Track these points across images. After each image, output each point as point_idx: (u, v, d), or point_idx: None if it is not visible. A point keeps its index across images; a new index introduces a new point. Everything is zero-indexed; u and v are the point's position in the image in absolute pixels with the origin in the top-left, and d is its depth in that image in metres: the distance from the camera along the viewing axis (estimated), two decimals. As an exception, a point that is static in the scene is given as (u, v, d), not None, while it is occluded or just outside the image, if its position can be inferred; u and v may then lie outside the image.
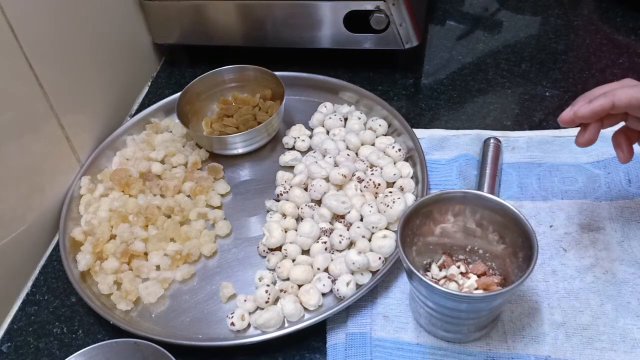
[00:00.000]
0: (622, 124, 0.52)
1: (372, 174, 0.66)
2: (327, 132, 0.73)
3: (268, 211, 0.67)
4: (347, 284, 0.57)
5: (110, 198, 0.68)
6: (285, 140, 0.74)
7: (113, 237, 0.65)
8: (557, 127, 0.69)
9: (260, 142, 0.73)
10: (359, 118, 0.73)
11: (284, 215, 0.64)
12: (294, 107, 0.78)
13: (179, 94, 0.75)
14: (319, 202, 0.65)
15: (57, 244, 0.66)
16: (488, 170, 0.64)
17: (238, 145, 0.72)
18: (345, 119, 0.74)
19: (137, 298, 0.60)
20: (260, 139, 0.73)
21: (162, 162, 0.73)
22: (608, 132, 0.67)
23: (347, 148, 0.70)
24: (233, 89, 0.78)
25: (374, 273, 0.58)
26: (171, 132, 0.76)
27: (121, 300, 0.60)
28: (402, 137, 0.70)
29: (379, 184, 0.64)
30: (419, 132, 0.71)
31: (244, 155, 0.74)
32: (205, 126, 0.77)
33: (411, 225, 0.52)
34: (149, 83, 0.88)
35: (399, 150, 0.68)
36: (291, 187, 0.67)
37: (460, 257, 0.55)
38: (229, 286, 0.59)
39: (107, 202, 0.68)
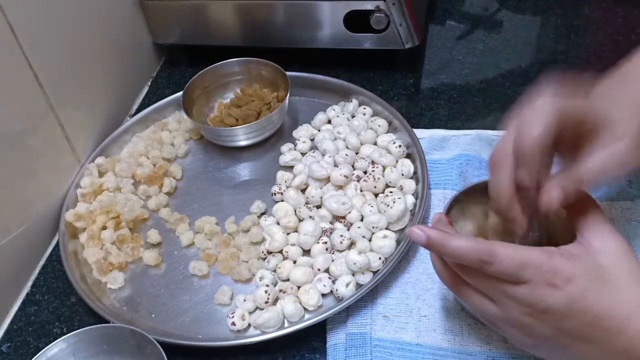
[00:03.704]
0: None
1: (373, 170, 0.66)
2: (333, 130, 0.73)
3: (262, 214, 0.67)
4: (347, 285, 0.57)
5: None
6: (295, 134, 0.74)
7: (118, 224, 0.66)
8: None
9: (258, 137, 0.73)
10: (364, 114, 0.73)
11: (279, 219, 0.64)
12: (296, 107, 0.78)
13: (187, 83, 0.76)
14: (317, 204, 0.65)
15: (57, 244, 0.66)
16: None
17: (236, 138, 0.72)
18: (353, 116, 0.74)
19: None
20: (259, 133, 0.73)
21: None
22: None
23: (347, 148, 0.70)
24: (239, 82, 0.79)
25: (374, 273, 0.58)
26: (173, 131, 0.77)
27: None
28: (403, 137, 0.70)
29: (378, 178, 0.65)
30: (419, 132, 0.70)
31: (245, 154, 0.74)
32: (217, 109, 0.78)
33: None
34: (149, 83, 0.88)
35: (400, 146, 0.68)
36: (288, 187, 0.67)
37: None
38: (227, 292, 0.59)
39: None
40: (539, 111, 0.41)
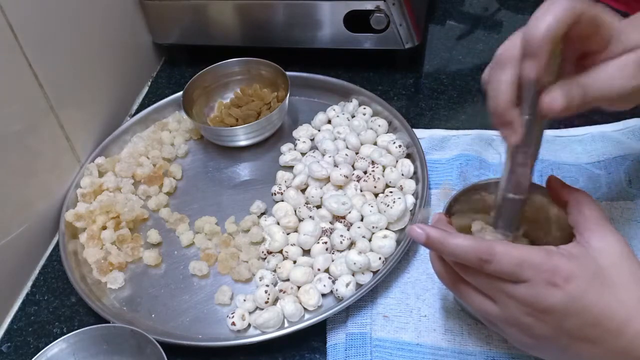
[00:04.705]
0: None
1: (373, 170, 0.66)
2: (333, 130, 0.73)
3: (262, 214, 0.67)
4: (347, 285, 0.57)
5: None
6: (295, 134, 0.74)
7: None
8: (558, 126, 0.69)
9: (258, 137, 0.73)
10: (364, 114, 0.74)
11: (279, 219, 0.64)
12: (296, 107, 0.78)
13: (187, 83, 0.75)
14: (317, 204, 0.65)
15: (57, 244, 0.66)
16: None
17: (236, 138, 0.72)
18: (353, 116, 0.74)
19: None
20: (259, 133, 0.73)
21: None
22: (609, 131, 0.68)
23: (347, 148, 0.70)
24: (239, 82, 0.79)
25: (374, 273, 0.58)
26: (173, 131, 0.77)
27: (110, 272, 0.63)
28: (403, 137, 0.70)
29: (378, 178, 0.65)
30: (419, 132, 0.70)
31: (245, 154, 0.74)
32: (217, 109, 0.78)
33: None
34: (149, 83, 0.88)
35: (400, 146, 0.68)
36: (288, 187, 0.67)
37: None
38: (227, 292, 0.59)
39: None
40: (552, 5, 0.37)
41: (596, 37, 0.39)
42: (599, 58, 0.40)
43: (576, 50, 0.40)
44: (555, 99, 0.38)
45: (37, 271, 0.66)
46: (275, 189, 0.67)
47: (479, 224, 0.53)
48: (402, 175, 0.66)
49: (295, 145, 0.73)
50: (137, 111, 0.82)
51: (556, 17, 0.37)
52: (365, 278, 0.57)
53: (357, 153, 0.70)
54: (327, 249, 0.60)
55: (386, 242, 0.59)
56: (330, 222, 0.63)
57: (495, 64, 0.42)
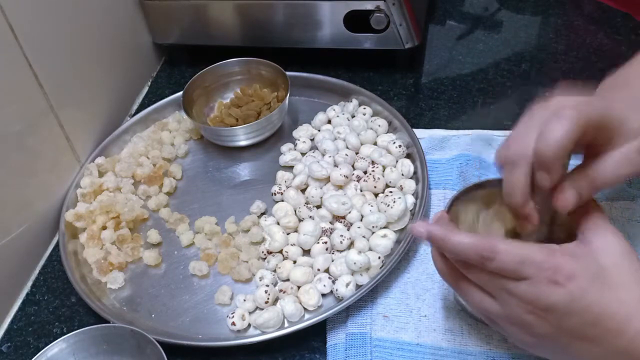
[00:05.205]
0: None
1: (373, 170, 0.66)
2: (333, 130, 0.73)
3: (262, 214, 0.67)
4: (347, 285, 0.57)
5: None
6: (295, 134, 0.74)
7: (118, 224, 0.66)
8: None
9: (258, 137, 0.73)
10: (364, 114, 0.74)
11: (279, 219, 0.64)
12: (296, 107, 0.78)
13: (187, 84, 0.76)
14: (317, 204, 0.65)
15: (57, 244, 0.66)
16: None
17: (236, 138, 0.72)
18: (353, 116, 0.74)
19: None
20: (259, 133, 0.73)
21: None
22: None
23: (347, 148, 0.70)
24: (239, 82, 0.79)
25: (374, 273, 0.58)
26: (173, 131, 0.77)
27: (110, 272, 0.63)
28: (403, 137, 0.70)
29: (378, 178, 0.65)
30: (419, 132, 0.70)
31: (245, 154, 0.74)
32: (217, 109, 0.78)
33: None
34: (149, 83, 0.88)
35: (400, 146, 0.68)
36: (288, 187, 0.67)
37: None
38: (227, 292, 0.59)
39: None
40: (564, 115, 0.40)
41: (602, 135, 0.42)
42: (604, 147, 0.43)
43: (583, 143, 0.43)
44: (567, 198, 0.42)
45: (37, 271, 0.66)
46: (275, 189, 0.67)
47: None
48: (402, 175, 0.66)
49: (295, 145, 0.73)
50: (137, 111, 0.82)
51: (566, 131, 0.40)
52: (365, 278, 0.57)
53: (357, 153, 0.70)
54: (327, 249, 0.60)
55: (386, 242, 0.59)
56: (330, 222, 0.63)
57: (509, 163, 0.44)
